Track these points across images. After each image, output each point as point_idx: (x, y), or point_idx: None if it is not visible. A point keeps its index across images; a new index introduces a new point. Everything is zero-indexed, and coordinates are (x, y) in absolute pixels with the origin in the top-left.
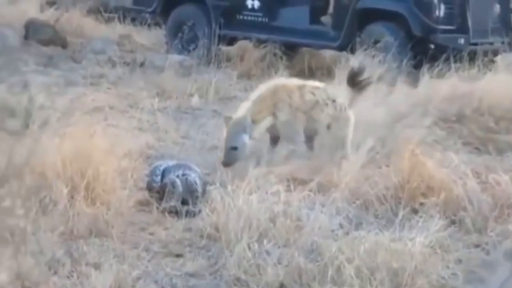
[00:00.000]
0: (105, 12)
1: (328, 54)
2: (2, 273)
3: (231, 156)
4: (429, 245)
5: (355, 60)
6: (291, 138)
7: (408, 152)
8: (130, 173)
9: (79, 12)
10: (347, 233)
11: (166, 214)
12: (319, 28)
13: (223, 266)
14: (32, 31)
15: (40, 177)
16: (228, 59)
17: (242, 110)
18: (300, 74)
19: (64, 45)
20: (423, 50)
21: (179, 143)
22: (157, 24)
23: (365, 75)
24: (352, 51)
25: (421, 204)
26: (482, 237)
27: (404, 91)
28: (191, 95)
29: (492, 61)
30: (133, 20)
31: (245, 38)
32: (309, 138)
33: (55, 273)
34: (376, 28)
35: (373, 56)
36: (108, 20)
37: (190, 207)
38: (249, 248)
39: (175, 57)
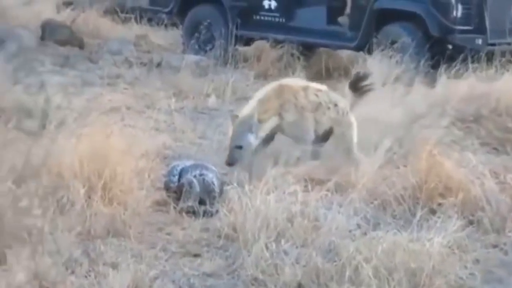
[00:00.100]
0: (122, 12)
1: (345, 54)
2: (19, 272)
3: (235, 155)
4: (447, 245)
5: (372, 61)
6: (301, 138)
7: (425, 152)
8: (147, 173)
9: (95, 13)
10: (365, 233)
11: (184, 214)
12: (336, 28)
13: (240, 266)
14: (49, 32)
15: (57, 177)
16: (245, 60)
17: (248, 109)
18: (317, 74)
19: (80, 45)
20: (441, 50)
21: (196, 143)
22: (173, 24)
23: (367, 82)
24: (369, 52)
25: (439, 204)
26: (500, 237)
27: (421, 92)
28: (208, 95)
29: (510, 61)
30: (149, 20)
31: (262, 39)
32: (316, 139)
33: (73, 273)
34: (394, 29)
35: (391, 57)
36: (125, 21)
37: (208, 207)
38: (267, 248)
39: (192, 58)
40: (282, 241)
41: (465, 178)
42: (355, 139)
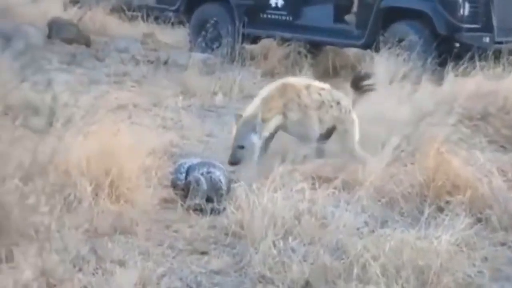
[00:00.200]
0: (129, 10)
1: (352, 52)
2: (27, 270)
3: (238, 154)
4: (455, 243)
5: (379, 59)
6: (305, 136)
7: (433, 150)
8: (155, 171)
9: (102, 11)
10: (373, 231)
11: (191, 211)
12: (343, 26)
13: (248, 263)
14: (56, 30)
15: (65, 175)
16: (252, 58)
17: (251, 108)
18: (325, 72)
19: (87, 43)
20: (448, 48)
21: (204, 141)
22: (180, 22)
23: (369, 81)
24: (377, 50)
25: (447, 202)
26: (508, 235)
27: (429, 90)
28: (215, 93)
29: None
30: (156, 18)
31: (269, 37)
32: (319, 137)
33: (80, 270)
34: (401, 27)
35: (398, 55)
36: (132, 19)
37: (215, 204)
38: (274, 245)
39: (199, 56)
40: (290, 239)
41: (472, 176)
42: (357, 136)
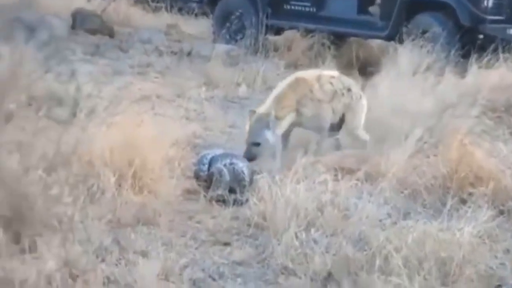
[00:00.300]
0: (152, 1)
1: (375, 44)
2: (50, 260)
3: (253, 151)
4: (477, 235)
5: (402, 51)
6: (319, 128)
7: (456, 142)
8: (178, 162)
9: (126, 2)
10: (395, 223)
11: (214, 202)
12: (367, 18)
13: (270, 254)
14: (80, 21)
15: (88, 166)
16: (276, 49)
17: (265, 106)
18: (348, 64)
19: (111, 34)
20: (471, 40)
21: (226, 132)
22: (204, 13)
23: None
24: (400, 41)
25: (470, 194)
26: None
27: (452, 81)
28: (238, 84)
29: None
30: (180, 9)
31: (292, 28)
32: (331, 127)
33: (103, 261)
34: (424, 18)
35: (421, 46)
36: (155, 10)
37: (238, 195)
38: (297, 237)
39: (222, 47)
40: (312, 230)
41: (495, 168)
42: (363, 120)
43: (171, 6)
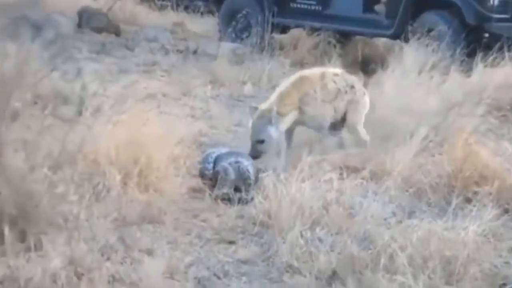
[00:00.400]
0: (158, 0)
1: (381, 42)
2: (55, 258)
3: (258, 149)
4: (482, 234)
5: (408, 49)
6: (320, 127)
7: (461, 140)
8: (183, 160)
9: (132, 0)
10: (400, 221)
11: (219, 201)
12: (373, 16)
13: (275, 253)
14: (86, 19)
15: (93, 164)
16: (281, 47)
17: (267, 102)
18: (354, 63)
19: (117, 32)
20: (477, 38)
21: (232, 130)
22: (210, 12)
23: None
24: (406, 40)
25: (475, 192)
26: None
27: (457, 80)
28: (244, 83)
29: None
30: (186, 8)
31: (298, 26)
32: (334, 126)
33: (108, 259)
34: (430, 17)
35: (427, 45)
36: (161, 8)
37: (243, 194)
38: (302, 235)
39: (228, 45)
40: (317, 229)
41: (500, 167)
42: (363, 118)
43: (177, 5)
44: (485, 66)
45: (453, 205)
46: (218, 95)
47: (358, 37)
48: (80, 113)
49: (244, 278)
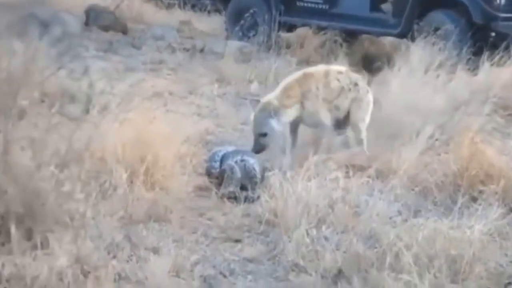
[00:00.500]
0: None
1: (387, 41)
2: (62, 257)
3: (261, 142)
4: (487, 233)
5: (415, 48)
6: (318, 125)
7: (467, 139)
8: (189, 159)
9: None
10: (406, 220)
11: (225, 199)
12: (380, 15)
13: (281, 251)
14: (93, 17)
15: (100, 162)
16: (288, 46)
17: (269, 96)
18: (360, 61)
19: (124, 31)
20: (483, 37)
21: (238, 129)
22: (217, 10)
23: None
24: (412, 39)
25: (480, 191)
26: None
27: (464, 79)
28: (251, 81)
29: None
30: (193, 6)
31: (304, 25)
32: (338, 125)
33: (114, 257)
34: (437, 16)
35: (433, 44)
36: (168, 6)
37: (249, 192)
38: (307, 234)
39: (235, 44)
40: (323, 227)
41: (506, 166)
42: (367, 119)
43: (184, 3)
44: (492, 65)
45: (459, 204)
46: (224, 93)
47: (364, 36)
48: (87, 111)
49: (250, 277)
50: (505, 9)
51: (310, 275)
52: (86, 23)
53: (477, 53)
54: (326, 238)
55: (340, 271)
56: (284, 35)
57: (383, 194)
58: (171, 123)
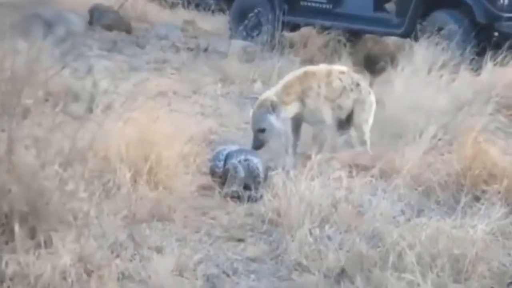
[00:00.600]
0: None
1: (391, 41)
2: (65, 256)
3: (259, 138)
4: (490, 232)
5: (418, 48)
6: (319, 123)
7: (470, 139)
8: (193, 158)
9: None
10: (409, 220)
11: (228, 199)
12: (383, 15)
13: (284, 251)
14: (97, 16)
15: (104, 161)
16: (291, 46)
17: (268, 92)
18: (363, 61)
19: (128, 30)
20: (487, 37)
21: (242, 128)
22: (221, 10)
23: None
24: (416, 39)
25: (483, 191)
26: None
27: (467, 79)
28: (254, 81)
29: None
30: (197, 5)
31: (308, 25)
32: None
33: (118, 256)
34: (440, 16)
35: (437, 44)
36: (172, 6)
37: (252, 192)
38: (311, 233)
39: (239, 43)
40: (326, 227)
41: (509, 165)
42: (371, 120)
43: (188, 2)
44: (495, 65)
45: (462, 203)
46: (228, 93)
47: (368, 36)
48: (90, 110)
49: (253, 276)
50: (509, 9)
51: (313, 274)
52: (90, 23)
53: (481, 53)
54: (329, 238)
55: (343, 271)
56: (288, 34)
57: (386, 194)
58: (174, 123)
